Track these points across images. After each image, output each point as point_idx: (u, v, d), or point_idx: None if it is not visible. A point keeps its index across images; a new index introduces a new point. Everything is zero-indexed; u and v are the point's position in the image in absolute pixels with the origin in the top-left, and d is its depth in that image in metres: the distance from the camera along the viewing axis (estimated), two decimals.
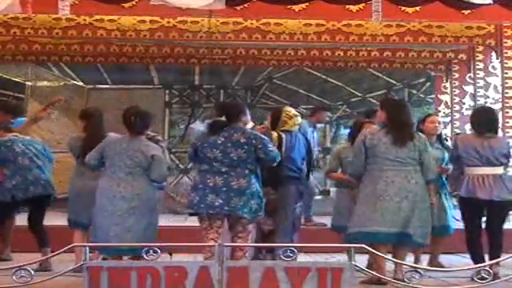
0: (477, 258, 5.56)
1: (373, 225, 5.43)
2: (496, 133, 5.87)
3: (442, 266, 6.22)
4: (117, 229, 5.37)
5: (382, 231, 5.41)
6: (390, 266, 5.68)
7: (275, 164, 5.48)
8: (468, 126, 10.20)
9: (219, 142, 5.33)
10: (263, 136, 5.51)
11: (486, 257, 5.62)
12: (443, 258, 6.48)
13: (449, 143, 6.90)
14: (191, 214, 5.50)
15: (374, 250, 4.80)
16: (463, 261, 6.33)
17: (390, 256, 5.30)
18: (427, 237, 5.58)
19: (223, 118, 5.44)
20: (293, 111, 6.22)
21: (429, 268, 5.77)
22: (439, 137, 6.52)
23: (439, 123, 6.58)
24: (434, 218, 6.13)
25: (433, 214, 6.18)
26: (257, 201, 5.37)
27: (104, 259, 5.55)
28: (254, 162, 5.36)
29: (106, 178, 5.54)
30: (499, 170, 5.70)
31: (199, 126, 5.92)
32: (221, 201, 5.24)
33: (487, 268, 4.55)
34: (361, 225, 5.48)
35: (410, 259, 5.92)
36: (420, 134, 5.78)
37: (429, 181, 5.60)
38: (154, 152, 5.54)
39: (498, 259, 5.30)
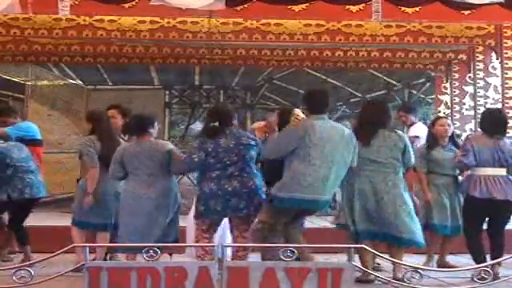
0: (478, 258, 5.57)
1: (354, 224, 5.54)
2: (504, 134, 5.88)
3: (449, 266, 6.22)
4: (148, 228, 5.47)
5: (361, 229, 5.51)
6: (388, 267, 5.69)
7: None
8: (468, 126, 10.26)
9: (231, 145, 5.37)
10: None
11: (488, 257, 5.62)
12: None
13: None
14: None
15: (373, 251, 4.81)
16: (463, 261, 6.33)
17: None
18: (419, 235, 5.59)
19: (216, 124, 5.45)
20: (301, 114, 6.19)
21: (428, 268, 5.77)
22: (452, 138, 6.54)
23: (449, 125, 6.60)
24: (447, 218, 6.20)
25: (446, 213, 6.24)
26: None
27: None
28: (254, 162, 5.50)
29: (130, 181, 5.66)
30: (504, 172, 5.73)
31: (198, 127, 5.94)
32: (244, 202, 5.32)
33: (487, 268, 4.55)
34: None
35: (412, 260, 5.91)
36: (399, 132, 5.85)
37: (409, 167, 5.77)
38: (168, 147, 5.69)
39: (498, 259, 5.30)
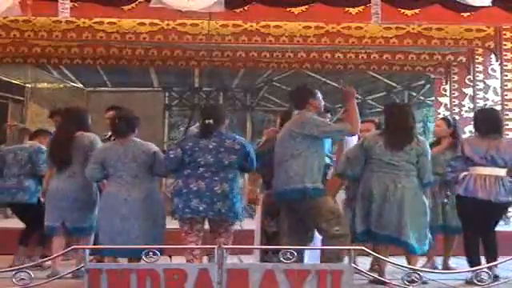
0: (474, 261, 5.55)
1: (363, 225, 5.48)
2: (500, 134, 5.86)
3: (452, 269, 6.21)
4: (131, 232, 5.34)
5: (373, 232, 5.44)
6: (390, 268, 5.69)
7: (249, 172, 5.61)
8: (468, 128, 10.27)
9: (211, 146, 5.32)
10: (249, 144, 5.61)
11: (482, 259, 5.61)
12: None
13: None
14: (175, 218, 5.48)
15: (372, 252, 4.81)
16: (462, 263, 6.33)
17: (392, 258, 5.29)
18: (423, 242, 5.51)
19: (211, 121, 5.38)
20: None
21: (427, 270, 5.76)
22: (456, 137, 6.47)
23: (438, 126, 6.58)
24: (449, 218, 6.16)
25: (446, 213, 6.20)
26: (239, 204, 5.39)
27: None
28: (237, 167, 5.40)
29: (113, 183, 5.51)
30: (502, 172, 5.68)
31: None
32: (205, 205, 5.22)
33: (486, 270, 4.55)
34: (358, 225, 5.53)
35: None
36: (420, 137, 5.73)
37: (424, 184, 5.58)
38: (154, 149, 5.60)
39: (496, 262, 5.29)
